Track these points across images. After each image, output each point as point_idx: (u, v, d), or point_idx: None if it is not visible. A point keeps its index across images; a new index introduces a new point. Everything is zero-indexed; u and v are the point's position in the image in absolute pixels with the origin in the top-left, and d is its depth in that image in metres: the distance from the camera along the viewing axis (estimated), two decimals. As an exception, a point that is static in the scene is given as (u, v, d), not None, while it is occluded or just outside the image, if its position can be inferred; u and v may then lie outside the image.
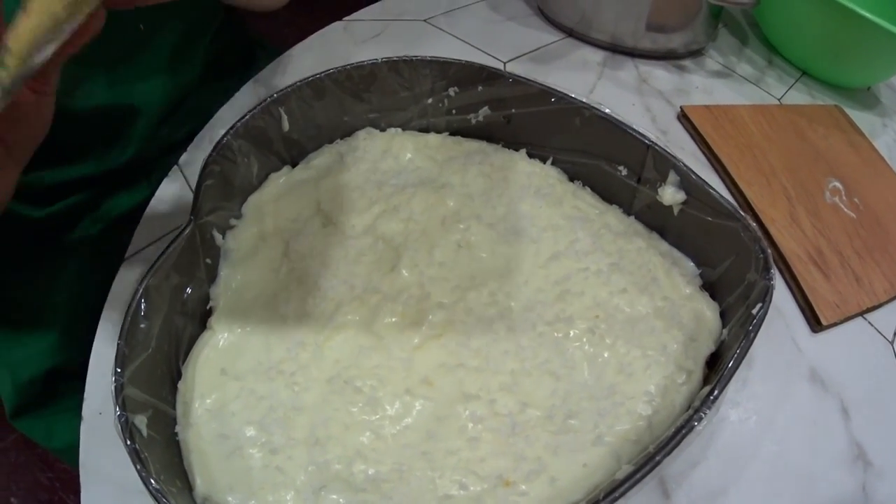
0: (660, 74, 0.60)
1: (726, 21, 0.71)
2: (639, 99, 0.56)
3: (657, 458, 0.27)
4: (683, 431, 0.28)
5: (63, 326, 0.50)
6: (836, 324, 0.44)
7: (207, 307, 0.36)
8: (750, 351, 0.41)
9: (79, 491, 0.32)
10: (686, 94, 0.59)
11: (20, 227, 0.47)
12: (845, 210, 0.52)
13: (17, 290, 0.50)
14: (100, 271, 0.41)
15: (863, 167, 0.56)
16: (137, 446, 0.27)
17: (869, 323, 0.46)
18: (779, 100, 0.62)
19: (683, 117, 0.56)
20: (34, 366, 0.50)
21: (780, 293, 0.45)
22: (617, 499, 0.27)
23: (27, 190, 0.46)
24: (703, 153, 0.54)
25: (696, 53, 0.64)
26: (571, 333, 0.35)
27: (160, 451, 0.29)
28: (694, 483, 0.35)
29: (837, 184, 0.53)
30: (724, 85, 0.62)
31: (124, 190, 0.52)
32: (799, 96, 0.63)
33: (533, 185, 0.42)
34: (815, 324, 0.44)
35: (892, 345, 0.45)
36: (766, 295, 0.33)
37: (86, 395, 0.35)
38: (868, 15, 0.53)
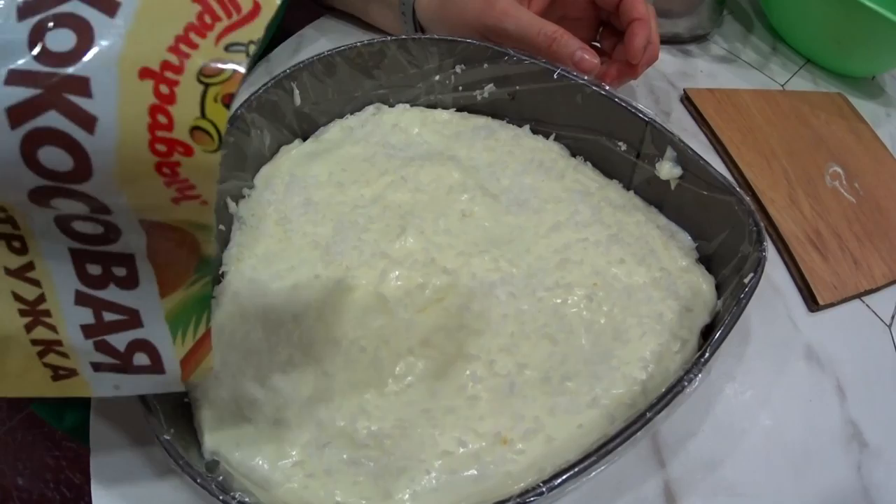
0: (664, 58, 0.60)
1: (732, 8, 0.71)
2: (642, 80, 0.57)
3: (648, 415, 0.28)
4: (675, 390, 0.29)
5: None
6: (833, 304, 0.45)
7: (220, 272, 0.37)
8: (747, 327, 0.41)
9: (85, 470, 0.32)
10: (690, 78, 0.60)
11: None
12: (845, 195, 0.52)
13: None
14: None
15: (864, 154, 0.57)
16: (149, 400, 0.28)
17: (867, 306, 0.46)
18: (782, 86, 0.62)
19: (686, 100, 0.56)
20: None
21: (779, 272, 0.46)
22: (608, 453, 0.28)
23: None
24: (706, 135, 0.54)
25: (700, 39, 0.65)
26: (570, 300, 0.36)
27: (170, 408, 0.30)
28: (690, 452, 0.36)
29: (838, 169, 0.54)
30: (729, 70, 0.62)
31: None
32: (803, 83, 0.63)
33: (536, 159, 0.43)
34: (813, 303, 0.44)
35: (890, 329, 0.45)
36: (758, 265, 0.34)
37: None
38: (872, 5, 0.53)
